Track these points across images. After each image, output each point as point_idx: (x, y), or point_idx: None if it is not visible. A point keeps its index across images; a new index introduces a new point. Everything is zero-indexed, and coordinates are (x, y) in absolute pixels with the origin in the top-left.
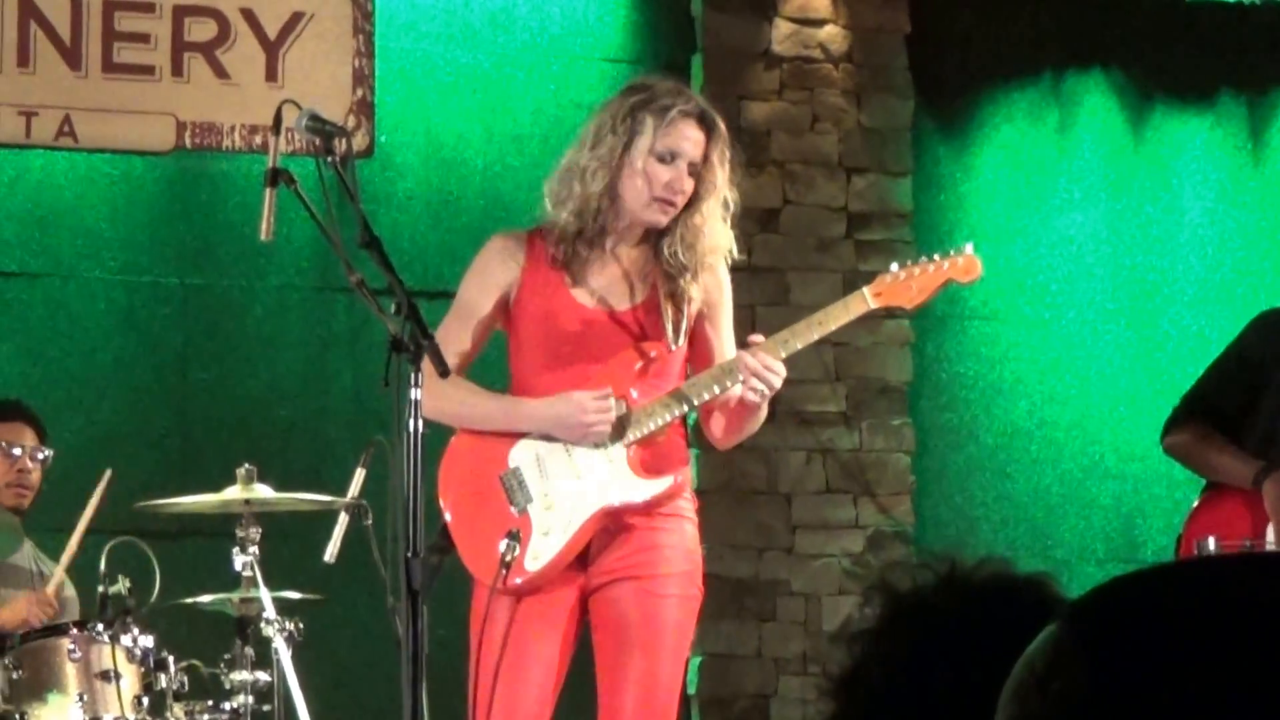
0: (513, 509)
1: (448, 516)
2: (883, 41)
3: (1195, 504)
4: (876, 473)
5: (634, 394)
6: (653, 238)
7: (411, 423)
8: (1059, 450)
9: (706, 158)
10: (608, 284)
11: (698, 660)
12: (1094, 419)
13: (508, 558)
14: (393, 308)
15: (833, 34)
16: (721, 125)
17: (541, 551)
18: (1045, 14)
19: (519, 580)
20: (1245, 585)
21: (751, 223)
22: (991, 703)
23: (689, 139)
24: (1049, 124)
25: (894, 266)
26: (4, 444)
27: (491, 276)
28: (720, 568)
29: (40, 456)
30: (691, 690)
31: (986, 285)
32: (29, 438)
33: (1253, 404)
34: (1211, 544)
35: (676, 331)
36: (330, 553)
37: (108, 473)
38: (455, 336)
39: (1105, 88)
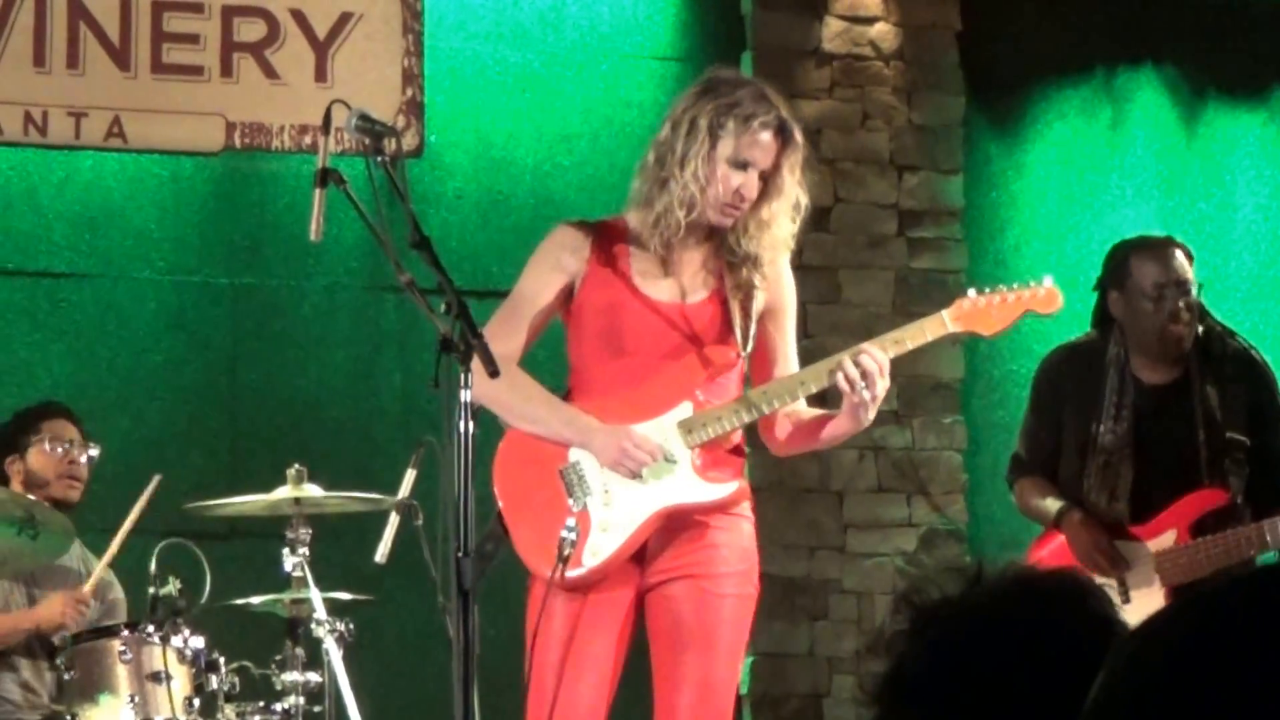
0: (571, 503)
1: (502, 506)
2: (934, 39)
3: (1028, 548)
4: (929, 471)
5: (700, 395)
6: (716, 235)
7: (461, 423)
8: None
9: (777, 165)
10: (674, 279)
11: (750, 660)
12: None
13: (565, 550)
14: (443, 307)
15: (883, 31)
16: (798, 135)
17: (600, 547)
18: (1097, 10)
19: (576, 574)
20: None
21: (802, 221)
22: (1024, 698)
23: (764, 148)
24: (1101, 121)
25: (971, 292)
26: (54, 437)
27: (557, 265)
28: (772, 567)
29: (88, 455)
30: (744, 690)
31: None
32: (75, 434)
33: (1059, 446)
34: None
35: (745, 336)
36: (381, 553)
37: (156, 478)
38: (514, 322)
39: (1157, 84)
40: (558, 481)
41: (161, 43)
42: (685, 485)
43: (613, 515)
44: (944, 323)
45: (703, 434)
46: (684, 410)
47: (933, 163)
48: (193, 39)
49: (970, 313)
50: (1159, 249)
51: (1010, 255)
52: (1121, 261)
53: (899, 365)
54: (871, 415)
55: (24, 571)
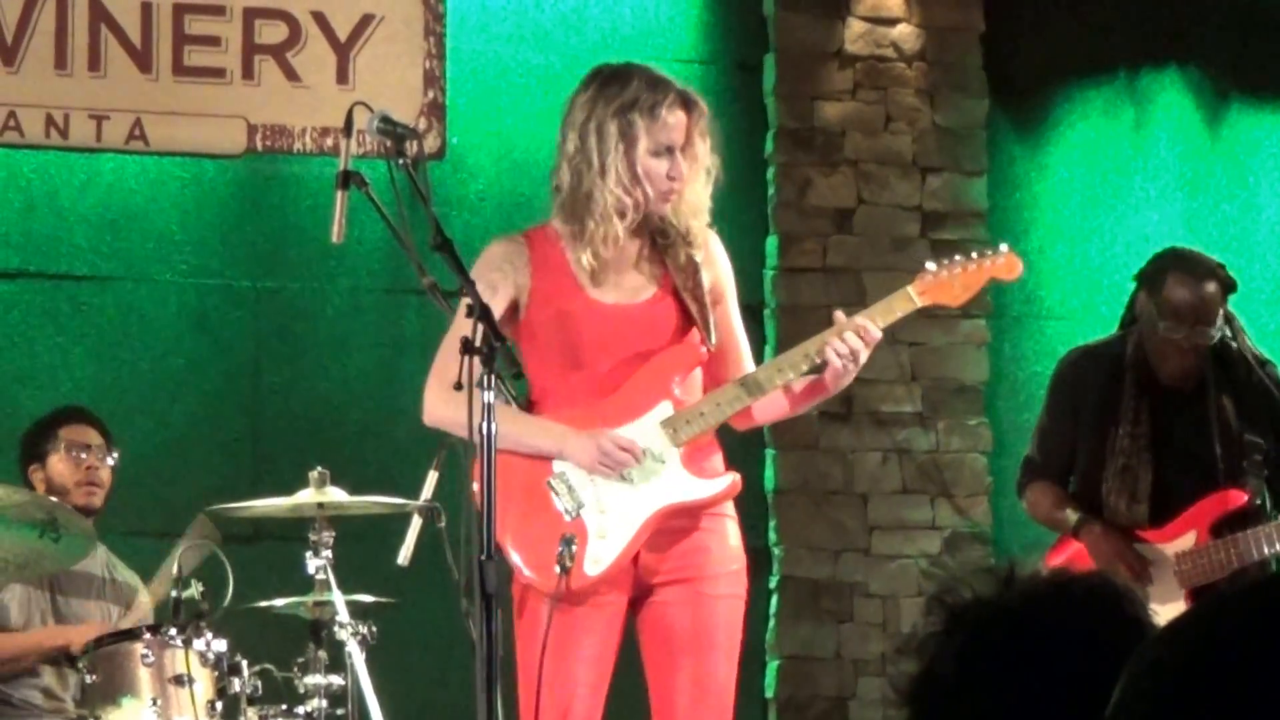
0: (563, 513)
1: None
2: (956, 40)
3: (1045, 555)
4: (953, 473)
5: (677, 392)
6: (646, 224)
7: (484, 425)
8: None
9: (689, 137)
10: (619, 278)
11: (775, 663)
12: None
13: (567, 562)
14: (464, 310)
15: (906, 33)
16: (700, 102)
17: (601, 555)
18: (1120, 11)
19: (580, 585)
20: None
21: (826, 223)
22: (1056, 701)
23: (676, 127)
24: (1124, 122)
25: (931, 265)
26: (71, 443)
27: (499, 284)
28: (797, 569)
29: (109, 460)
30: (769, 693)
31: (1063, 284)
32: (95, 438)
33: (1074, 449)
34: None
35: (707, 327)
36: (403, 556)
37: (199, 518)
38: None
39: (1181, 85)
40: (543, 493)
41: (183, 45)
42: (680, 484)
43: (610, 522)
44: (911, 298)
45: (687, 431)
46: (665, 410)
47: (956, 164)
48: (214, 41)
49: (934, 286)
50: (1197, 278)
51: (1034, 257)
52: (1159, 272)
53: (922, 368)
54: (850, 379)
55: (46, 575)
